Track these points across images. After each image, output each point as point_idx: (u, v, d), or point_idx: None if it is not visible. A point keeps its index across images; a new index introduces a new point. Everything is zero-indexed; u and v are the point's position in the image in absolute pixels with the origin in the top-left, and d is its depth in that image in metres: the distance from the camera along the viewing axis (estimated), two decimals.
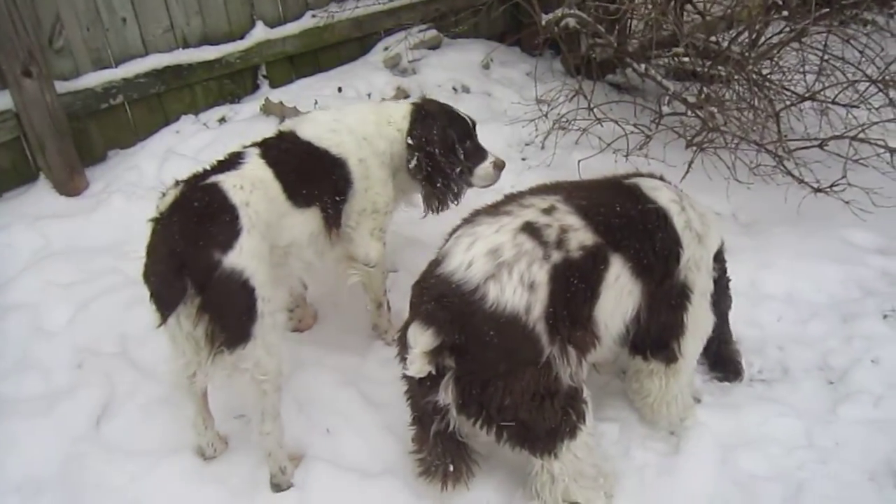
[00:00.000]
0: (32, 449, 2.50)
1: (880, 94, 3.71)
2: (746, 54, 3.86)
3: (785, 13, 3.93)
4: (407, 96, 4.53)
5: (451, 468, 2.25)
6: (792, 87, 3.98)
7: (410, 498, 2.35)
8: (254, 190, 2.29)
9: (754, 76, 3.84)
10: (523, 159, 4.21)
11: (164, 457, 2.47)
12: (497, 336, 1.94)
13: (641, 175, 2.47)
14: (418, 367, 1.97)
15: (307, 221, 2.51)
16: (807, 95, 3.84)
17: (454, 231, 2.18)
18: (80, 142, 3.90)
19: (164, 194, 2.26)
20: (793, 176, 3.66)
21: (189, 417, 2.45)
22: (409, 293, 2.17)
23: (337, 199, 2.61)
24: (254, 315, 2.18)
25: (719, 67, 3.98)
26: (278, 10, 4.63)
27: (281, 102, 4.29)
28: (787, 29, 3.92)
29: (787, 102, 3.89)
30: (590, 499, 2.23)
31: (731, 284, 2.66)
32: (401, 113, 2.81)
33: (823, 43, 3.83)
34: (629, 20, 4.33)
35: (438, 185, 2.79)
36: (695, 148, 3.83)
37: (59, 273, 3.23)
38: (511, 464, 2.38)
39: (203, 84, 4.42)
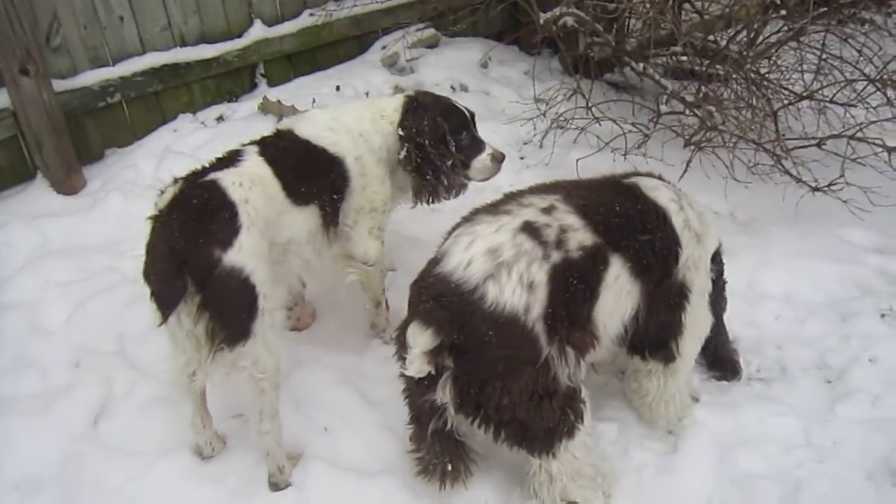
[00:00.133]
0: (30, 448, 2.49)
1: (878, 93, 3.71)
2: (744, 53, 3.86)
3: (783, 12, 3.93)
4: None
5: (450, 467, 2.26)
6: (790, 87, 3.98)
7: (409, 497, 2.35)
8: (253, 187, 2.29)
9: (752, 75, 3.84)
10: (521, 158, 4.21)
11: (161, 456, 2.47)
12: (496, 336, 1.94)
13: (640, 174, 2.47)
14: (418, 366, 1.97)
15: (306, 219, 2.51)
16: (805, 94, 3.85)
17: (453, 230, 2.17)
18: (77, 140, 3.89)
19: (162, 192, 2.25)
20: (791, 175, 3.66)
21: (187, 416, 2.45)
22: (408, 292, 2.16)
23: (334, 197, 2.61)
24: (254, 312, 2.18)
25: (717, 66, 3.98)
26: (276, 9, 4.62)
27: (279, 101, 4.29)
28: (786, 28, 3.93)
29: (785, 101, 3.89)
30: (588, 498, 2.23)
31: (727, 286, 2.66)
32: (393, 106, 2.79)
33: (821, 42, 3.83)
34: (627, 19, 4.33)
35: (428, 177, 2.75)
36: (693, 147, 3.82)
37: (57, 272, 3.22)
38: (509, 463, 2.37)
39: (201, 83, 4.41)
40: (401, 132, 2.72)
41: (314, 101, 4.35)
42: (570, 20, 4.28)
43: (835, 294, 3.19)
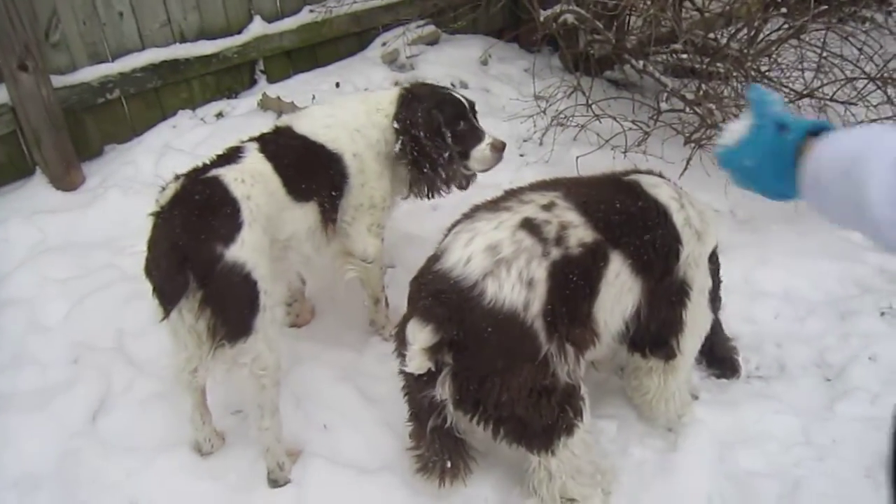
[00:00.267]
0: (29, 444, 2.49)
1: (878, 91, 3.71)
2: (745, 51, 3.86)
3: (784, 10, 3.93)
4: None
5: (449, 464, 2.25)
6: (790, 84, 3.98)
7: (408, 494, 2.35)
8: (255, 184, 2.29)
9: (753, 73, 3.83)
10: (521, 155, 4.21)
11: (160, 452, 2.47)
12: (495, 332, 1.94)
13: (641, 172, 2.46)
14: (417, 363, 1.96)
15: (306, 216, 2.51)
16: (805, 93, 3.85)
17: (453, 226, 2.17)
18: (76, 136, 3.88)
19: (164, 188, 2.25)
20: None
21: (186, 413, 2.45)
22: (407, 289, 2.16)
23: (333, 194, 2.60)
24: (255, 308, 2.17)
25: (718, 64, 3.97)
26: (276, 5, 4.61)
27: (279, 97, 4.28)
28: (786, 26, 3.92)
29: (786, 99, 3.88)
30: (587, 496, 2.23)
31: (722, 286, 2.66)
32: (388, 98, 2.77)
33: (822, 40, 3.83)
34: (628, 16, 4.33)
35: (426, 170, 2.72)
36: (693, 144, 3.82)
37: (56, 268, 3.22)
38: (509, 461, 2.37)
39: (200, 79, 4.40)
40: (396, 125, 2.70)
41: (314, 97, 4.34)
42: (570, 17, 4.27)
43: (834, 292, 3.19)
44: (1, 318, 2.96)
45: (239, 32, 4.47)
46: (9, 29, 3.43)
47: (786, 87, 3.95)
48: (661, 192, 2.29)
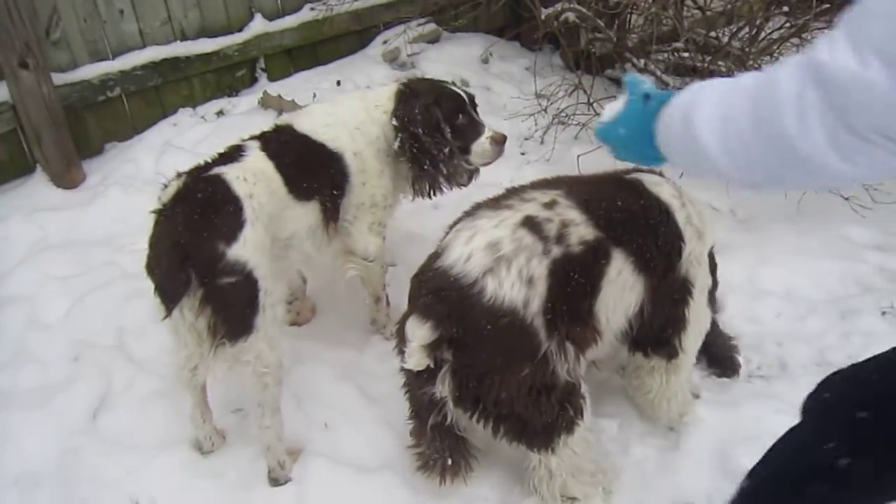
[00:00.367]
0: (30, 442, 2.49)
1: None
2: (747, 50, 3.85)
3: (785, 9, 3.92)
4: None
5: (450, 462, 2.25)
6: None
7: (408, 493, 2.35)
8: (257, 182, 2.28)
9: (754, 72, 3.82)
10: (522, 154, 4.20)
11: (161, 450, 2.47)
12: (494, 330, 1.93)
13: (641, 170, 2.46)
14: (416, 360, 1.96)
15: (307, 214, 2.51)
16: None
17: (454, 224, 2.17)
18: (77, 134, 3.88)
19: (166, 186, 2.25)
20: None
21: (187, 411, 2.45)
22: (408, 287, 2.16)
23: (335, 192, 2.60)
24: (256, 307, 2.17)
25: (719, 63, 3.97)
26: (277, 3, 4.61)
27: (279, 96, 4.28)
28: (788, 24, 3.92)
29: None
30: (588, 494, 2.23)
31: (723, 285, 2.65)
32: (387, 95, 2.75)
33: None
34: (629, 15, 4.32)
35: (426, 167, 2.69)
36: None
37: (56, 266, 3.22)
38: (510, 459, 2.37)
39: (201, 77, 4.40)
40: (394, 122, 2.68)
41: (315, 95, 4.34)
42: (571, 16, 4.27)
43: (835, 291, 3.19)
44: (1, 316, 2.96)
45: (240, 30, 4.47)
46: (9, 26, 3.43)
47: None
48: (663, 190, 2.29)
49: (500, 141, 2.79)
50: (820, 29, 3.83)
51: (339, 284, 3.00)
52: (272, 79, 4.66)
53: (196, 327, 2.14)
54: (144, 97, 4.21)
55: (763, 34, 4.00)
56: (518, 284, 1.94)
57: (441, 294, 1.97)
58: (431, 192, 2.81)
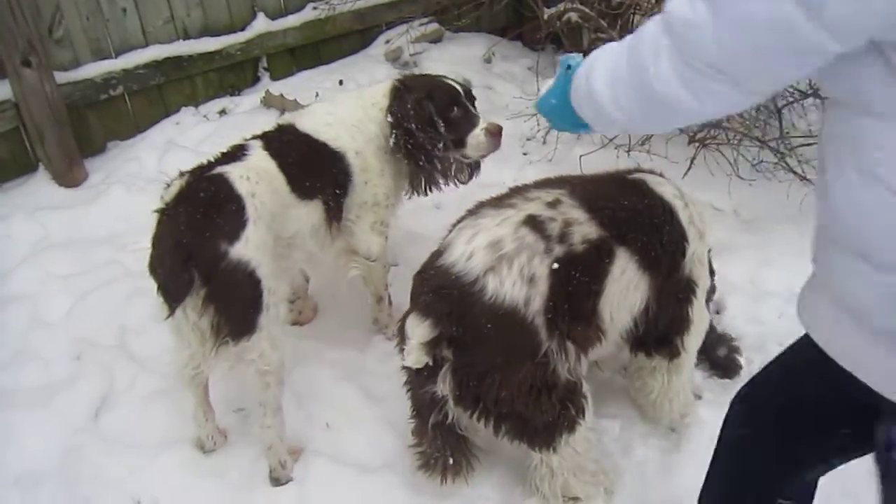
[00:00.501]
0: (31, 441, 2.49)
1: None
2: None
3: None
4: None
5: (451, 461, 2.25)
6: (795, 84, 3.97)
7: (409, 492, 2.35)
8: (259, 181, 2.28)
9: None
10: (524, 154, 4.20)
11: (163, 449, 2.47)
12: (495, 329, 1.93)
13: (643, 171, 2.46)
14: (415, 357, 1.97)
15: (310, 213, 2.50)
16: (809, 92, 3.83)
17: (458, 222, 2.17)
18: (79, 133, 3.88)
19: (168, 185, 2.25)
20: (795, 173, 3.65)
21: (189, 410, 2.44)
22: (411, 287, 2.16)
23: (337, 192, 2.60)
24: (259, 306, 2.17)
25: None
26: (279, 2, 4.61)
27: (282, 95, 4.28)
28: None
29: (790, 99, 3.87)
30: (589, 494, 2.22)
31: (725, 285, 2.65)
32: (382, 92, 2.74)
33: None
34: (632, 15, 4.31)
35: (421, 163, 2.67)
36: (697, 144, 3.81)
37: (58, 264, 3.22)
38: (511, 459, 2.37)
39: (203, 76, 4.40)
40: (389, 118, 2.66)
41: (317, 95, 4.34)
42: (574, 16, 4.26)
43: None
44: (4, 315, 2.96)
45: (242, 29, 4.47)
46: (12, 25, 3.43)
47: (789, 86, 3.94)
48: (666, 190, 2.29)
49: (495, 132, 2.72)
50: None
51: (341, 284, 3.00)
52: (275, 78, 4.66)
53: (199, 326, 2.14)
54: (147, 96, 4.21)
55: None
56: (519, 283, 1.94)
57: (442, 292, 1.97)
58: (428, 189, 2.80)
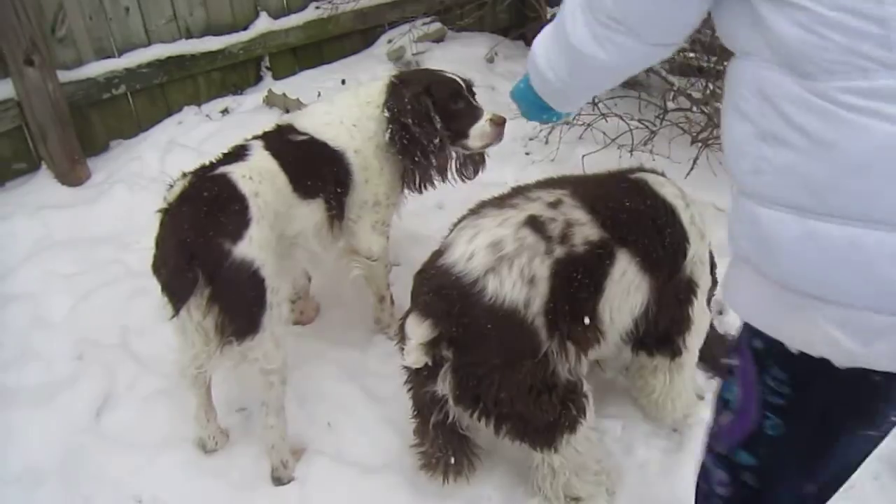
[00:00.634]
0: (33, 440, 2.49)
1: None
2: None
3: None
4: None
5: (453, 461, 2.24)
6: None
7: (411, 492, 2.35)
8: (262, 181, 2.28)
9: None
10: (527, 154, 4.20)
11: (164, 449, 2.46)
12: (495, 329, 1.93)
13: (644, 170, 2.45)
14: (415, 357, 1.96)
15: (312, 212, 2.50)
16: None
17: (459, 222, 2.16)
18: (82, 131, 3.89)
19: (171, 186, 2.24)
20: None
21: (191, 410, 2.44)
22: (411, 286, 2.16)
23: (338, 190, 2.59)
24: (263, 306, 2.17)
25: (725, 63, 3.93)
26: (282, 1, 4.62)
27: (284, 94, 4.28)
28: None
29: None
30: (592, 494, 2.22)
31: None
32: (377, 89, 2.72)
33: None
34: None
35: (417, 158, 2.64)
36: (700, 144, 3.81)
37: (61, 263, 3.22)
38: (513, 459, 2.37)
39: (206, 75, 4.41)
40: (385, 114, 2.64)
41: (319, 94, 4.34)
42: None
43: None
44: (5, 313, 2.96)
45: (245, 29, 4.48)
46: (15, 23, 3.43)
47: None
48: (668, 190, 2.28)
49: (499, 122, 2.70)
50: None
51: (343, 284, 3.00)
52: (277, 77, 4.67)
53: (203, 326, 2.14)
54: (150, 95, 4.22)
55: None
56: (519, 284, 1.93)
57: (442, 292, 1.96)
58: (423, 186, 2.77)
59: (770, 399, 1.35)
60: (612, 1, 1.32)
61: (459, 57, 4.94)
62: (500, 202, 2.15)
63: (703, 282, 2.34)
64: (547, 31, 1.58)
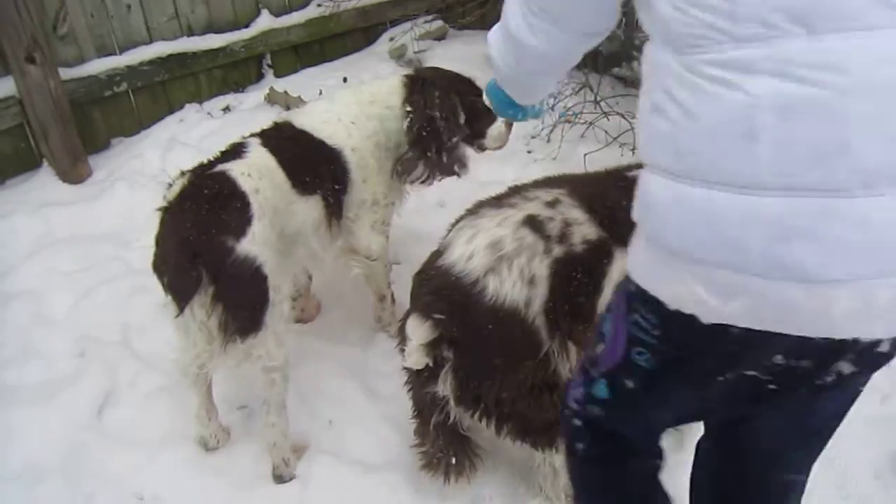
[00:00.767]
0: (34, 437, 2.49)
1: None
2: None
3: None
4: None
5: (454, 461, 2.24)
6: None
7: (412, 491, 2.35)
8: (262, 178, 2.28)
9: None
10: (529, 152, 4.19)
11: (165, 446, 2.47)
12: (495, 329, 1.92)
13: (641, 167, 2.44)
14: (415, 358, 1.96)
15: (311, 209, 2.49)
16: None
17: (457, 222, 2.16)
18: (83, 129, 3.89)
19: (171, 185, 2.24)
20: None
21: (192, 408, 2.44)
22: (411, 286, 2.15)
23: (336, 188, 2.58)
24: (266, 303, 2.16)
25: None
26: None
27: (286, 92, 4.28)
28: None
29: None
30: None
31: None
32: (386, 89, 2.72)
33: None
34: (634, 12, 4.30)
35: (430, 153, 2.64)
36: None
37: (62, 261, 3.22)
38: (515, 459, 2.37)
39: (207, 73, 4.41)
40: (408, 108, 2.64)
41: (321, 92, 4.34)
42: None
43: None
44: (6, 311, 2.97)
45: (246, 26, 4.48)
46: (17, 21, 3.43)
47: None
48: None
49: (510, 125, 2.74)
50: None
51: (343, 282, 3.00)
52: (279, 75, 4.67)
53: (207, 325, 2.13)
54: (151, 93, 4.22)
55: None
56: (520, 284, 1.93)
57: (442, 293, 1.96)
58: (424, 180, 2.75)
59: (639, 336, 1.43)
60: None
61: (461, 55, 4.93)
62: (497, 202, 2.14)
63: None
64: (497, 26, 1.69)
